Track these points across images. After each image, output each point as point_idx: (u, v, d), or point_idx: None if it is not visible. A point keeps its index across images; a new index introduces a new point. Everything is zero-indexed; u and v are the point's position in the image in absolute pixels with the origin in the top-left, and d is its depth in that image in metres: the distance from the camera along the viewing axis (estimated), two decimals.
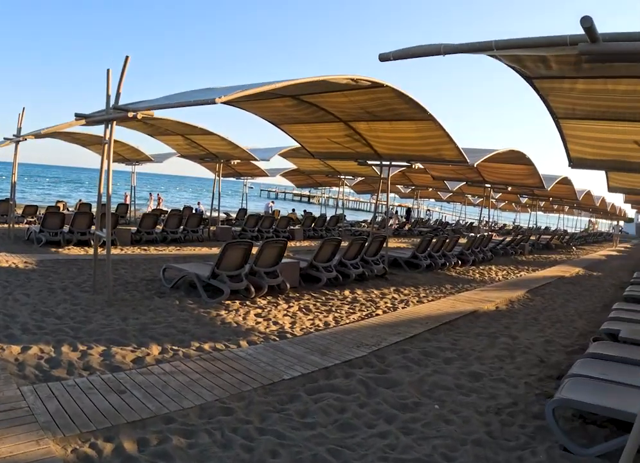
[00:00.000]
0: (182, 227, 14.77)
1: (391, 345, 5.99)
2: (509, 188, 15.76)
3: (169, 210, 19.05)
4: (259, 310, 7.37)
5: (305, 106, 9.72)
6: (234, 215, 22.91)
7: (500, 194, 24.95)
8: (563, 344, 6.74)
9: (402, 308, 8.23)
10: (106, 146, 6.86)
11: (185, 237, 14.70)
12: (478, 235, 14.67)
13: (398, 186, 27.31)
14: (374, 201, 23.27)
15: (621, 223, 37.40)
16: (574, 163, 8.54)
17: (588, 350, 5.23)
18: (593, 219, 39.17)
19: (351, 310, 7.82)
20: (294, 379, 4.63)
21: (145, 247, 13.21)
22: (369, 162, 12.36)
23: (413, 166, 11.28)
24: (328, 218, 21.58)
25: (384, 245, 11.30)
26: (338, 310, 7.75)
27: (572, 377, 4.30)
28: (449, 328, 7.08)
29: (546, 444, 3.78)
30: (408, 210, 33.84)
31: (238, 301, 7.71)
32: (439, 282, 10.95)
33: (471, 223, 34.15)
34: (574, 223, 41.87)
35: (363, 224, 28.17)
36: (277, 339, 6.04)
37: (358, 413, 4.09)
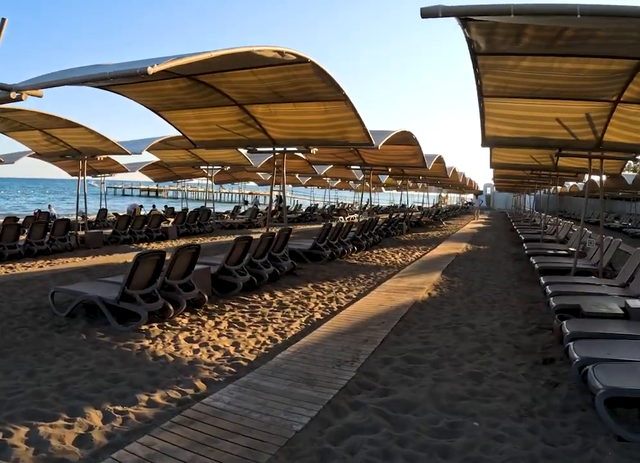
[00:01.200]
0: (47, 236, 12.22)
1: (369, 357, 5.22)
2: (390, 169, 15.99)
3: (22, 219, 15.98)
4: (187, 333, 6.08)
5: (200, 88, 8.40)
6: (91, 217, 20.06)
7: (363, 176, 25.54)
8: (518, 325, 6.64)
9: (338, 308, 7.52)
10: None
11: (52, 247, 12.16)
12: (368, 219, 14.59)
13: (259, 173, 26.41)
14: (226, 191, 22.11)
15: (471, 196, 40.69)
16: (487, 141, 8.67)
17: (565, 329, 5.12)
18: (443, 194, 42.34)
19: (286, 318, 6.87)
20: (308, 428, 3.62)
21: (10, 265, 10.63)
22: (259, 149, 11.37)
23: (311, 152, 10.58)
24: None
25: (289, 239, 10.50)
26: (273, 320, 6.75)
27: (588, 363, 4.06)
28: (407, 325, 6.52)
29: (601, 438, 3.54)
30: (279, 198, 33.02)
31: (155, 324, 6.30)
32: (350, 273, 10.45)
33: (332, 206, 34.67)
34: (423, 198, 44.98)
35: (226, 215, 26.84)
36: (233, 370, 4.90)
37: (407, 455, 3.29)
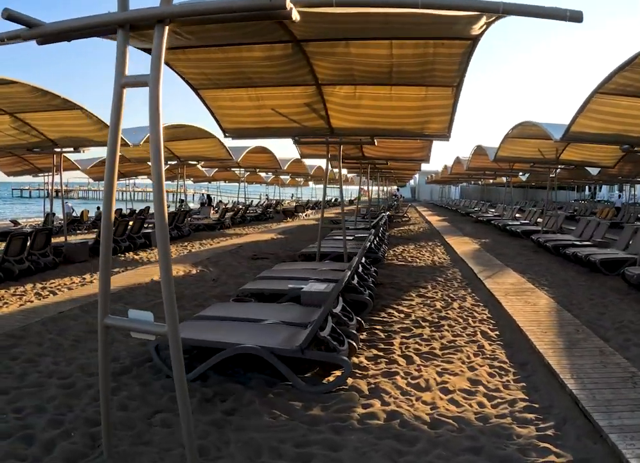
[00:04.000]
0: (26, 252, 8.96)
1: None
2: (388, 163, 14.76)
3: None
4: (399, 379, 4.34)
5: (292, 60, 6.37)
6: (23, 222, 16.26)
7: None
8: None
9: (490, 318, 6.28)
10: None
11: (35, 265, 9.01)
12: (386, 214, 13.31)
13: (203, 169, 23.59)
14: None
15: (395, 187, 39.88)
16: (568, 136, 8.46)
17: None
18: (364, 187, 40.92)
19: (463, 338, 5.52)
20: None
21: None
22: (304, 140, 9.57)
23: (376, 143, 9.06)
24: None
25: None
26: (455, 344, 5.32)
27: None
28: (593, 330, 5.63)
29: None
30: (209, 196, 29.98)
31: (337, 372, 4.42)
32: (420, 276, 8.99)
33: (277, 202, 32.36)
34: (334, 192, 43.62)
35: None
36: (540, 416, 3.55)
37: None
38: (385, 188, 35.74)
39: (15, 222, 16.97)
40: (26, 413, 3.59)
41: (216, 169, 22.87)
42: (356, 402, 3.91)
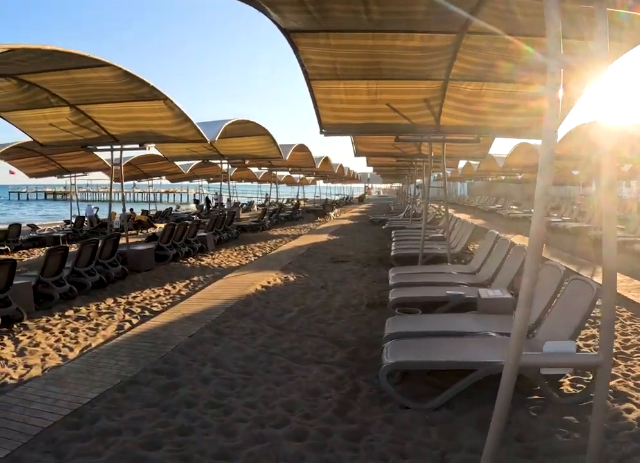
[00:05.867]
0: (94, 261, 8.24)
1: None
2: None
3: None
4: (625, 381, 4.27)
5: (443, 52, 6.14)
6: (39, 224, 15.58)
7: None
8: None
9: None
10: None
11: (107, 277, 8.34)
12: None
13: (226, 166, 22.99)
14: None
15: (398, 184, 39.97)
16: None
17: None
18: (369, 185, 41.23)
19: (632, 338, 5.33)
20: None
21: (80, 315, 6.67)
22: (403, 137, 9.35)
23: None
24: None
25: None
26: (633, 344, 5.23)
27: None
28: None
29: None
30: (207, 199, 29.05)
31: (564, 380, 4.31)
32: None
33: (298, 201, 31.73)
34: (316, 189, 43.18)
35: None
36: None
37: None
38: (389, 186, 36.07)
39: (33, 226, 16.20)
40: None
41: (236, 168, 22.37)
42: (616, 407, 3.82)
